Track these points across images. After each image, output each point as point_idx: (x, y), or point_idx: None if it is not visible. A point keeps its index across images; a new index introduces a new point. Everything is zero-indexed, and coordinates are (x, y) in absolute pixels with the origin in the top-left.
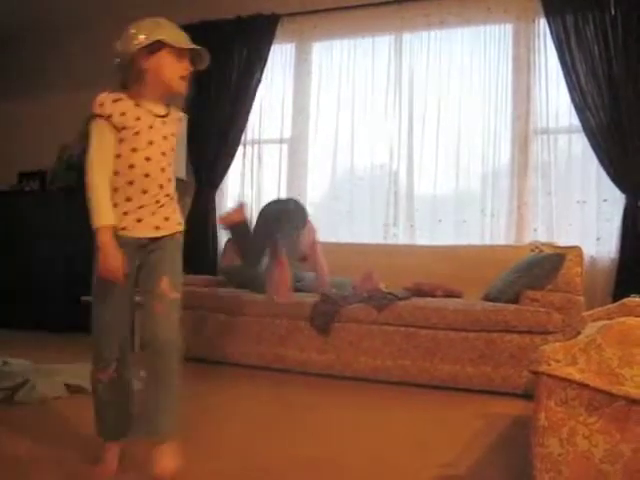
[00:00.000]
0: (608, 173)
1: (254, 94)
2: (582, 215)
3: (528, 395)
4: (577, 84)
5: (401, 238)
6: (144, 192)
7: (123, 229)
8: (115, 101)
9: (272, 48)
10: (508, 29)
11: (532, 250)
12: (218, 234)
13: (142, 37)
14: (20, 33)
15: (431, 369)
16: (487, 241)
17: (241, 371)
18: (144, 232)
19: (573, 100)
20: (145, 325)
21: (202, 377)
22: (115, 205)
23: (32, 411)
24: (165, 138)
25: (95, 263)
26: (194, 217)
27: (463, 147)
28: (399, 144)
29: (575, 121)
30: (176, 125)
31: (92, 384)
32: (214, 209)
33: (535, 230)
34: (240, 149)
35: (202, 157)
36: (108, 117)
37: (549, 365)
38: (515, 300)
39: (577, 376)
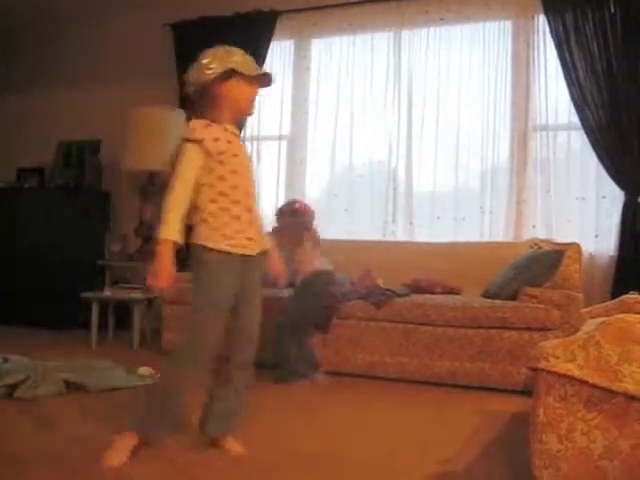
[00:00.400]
0: (607, 170)
1: None
2: (581, 212)
3: (527, 392)
4: (576, 81)
5: (400, 235)
6: (249, 210)
7: (234, 246)
8: (206, 127)
9: (271, 45)
10: (507, 26)
11: (531, 247)
12: None
13: (215, 66)
14: (19, 29)
15: (430, 366)
16: (486, 238)
17: None
18: (252, 249)
19: (572, 97)
20: (235, 338)
21: None
22: (226, 224)
23: (31, 408)
24: (249, 161)
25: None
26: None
27: (462, 144)
28: (398, 141)
29: (574, 118)
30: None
31: (174, 383)
32: None
33: (534, 227)
34: None
35: None
36: (200, 141)
37: (548, 362)
38: (514, 297)
39: (576, 372)
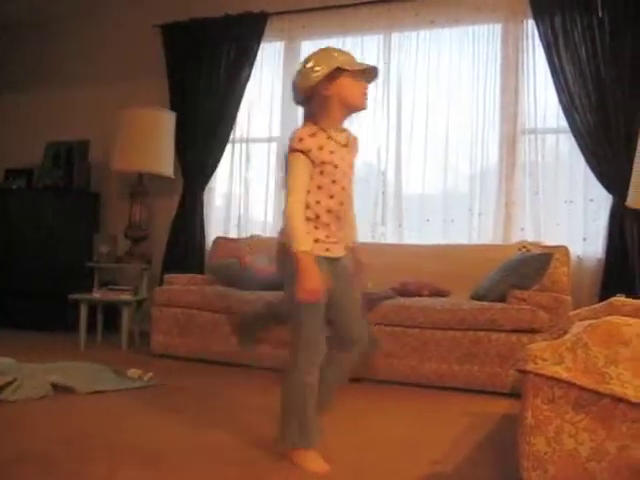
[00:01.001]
0: (595, 173)
1: (243, 92)
2: (569, 215)
3: (515, 394)
4: (565, 85)
5: (389, 237)
6: (338, 218)
7: (326, 250)
8: (312, 136)
9: (261, 46)
10: (497, 29)
11: (519, 249)
12: (206, 232)
13: (320, 68)
14: (7, 30)
15: (418, 368)
16: (475, 240)
17: (231, 370)
18: (339, 252)
19: (561, 101)
20: (346, 326)
21: (188, 376)
22: (316, 228)
23: (18, 410)
24: (350, 167)
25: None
26: (182, 215)
27: (451, 147)
28: (387, 143)
29: (562, 122)
30: (355, 150)
31: (296, 391)
32: (202, 207)
33: (522, 230)
34: (228, 148)
35: (190, 155)
36: (307, 152)
37: (536, 364)
38: (502, 299)
39: (564, 375)
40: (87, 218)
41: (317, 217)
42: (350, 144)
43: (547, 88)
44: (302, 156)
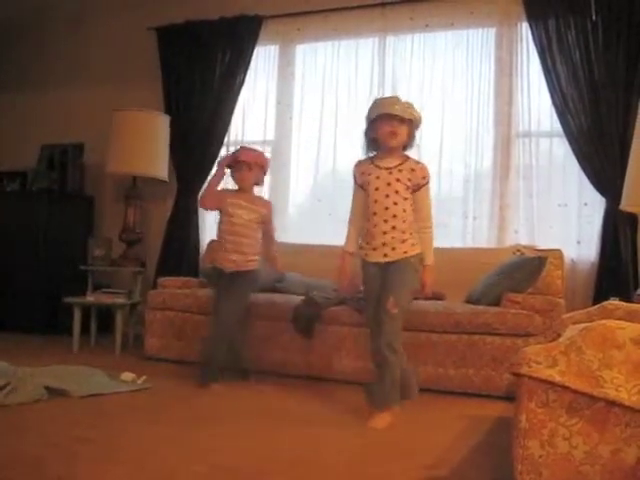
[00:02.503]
0: (589, 177)
1: (237, 95)
2: (563, 218)
3: (509, 397)
4: (558, 88)
5: None
6: (384, 233)
7: (366, 255)
8: (357, 165)
9: (255, 49)
10: (491, 33)
11: (513, 253)
12: (200, 236)
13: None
14: (1, 32)
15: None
16: (469, 243)
17: (225, 373)
18: (377, 258)
19: (554, 104)
20: (376, 330)
21: (182, 379)
22: (366, 241)
23: (11, 414)
24: (388, 185)
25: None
26: (176, 219)
27: (445, 150)
28: None
29: (556, 125)
30: (406, 173)
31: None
32: (196, 211)
33: (516, 233)
34: (223, 150)
35: (184, 158)
36: (355, 182)
37: (530, 367)
38: (496, 302)
39: (558, 378)
40: (81, 221)
41: (367, 230)
42: (403, 168)
43: (541, 91)
44: (356, 186)
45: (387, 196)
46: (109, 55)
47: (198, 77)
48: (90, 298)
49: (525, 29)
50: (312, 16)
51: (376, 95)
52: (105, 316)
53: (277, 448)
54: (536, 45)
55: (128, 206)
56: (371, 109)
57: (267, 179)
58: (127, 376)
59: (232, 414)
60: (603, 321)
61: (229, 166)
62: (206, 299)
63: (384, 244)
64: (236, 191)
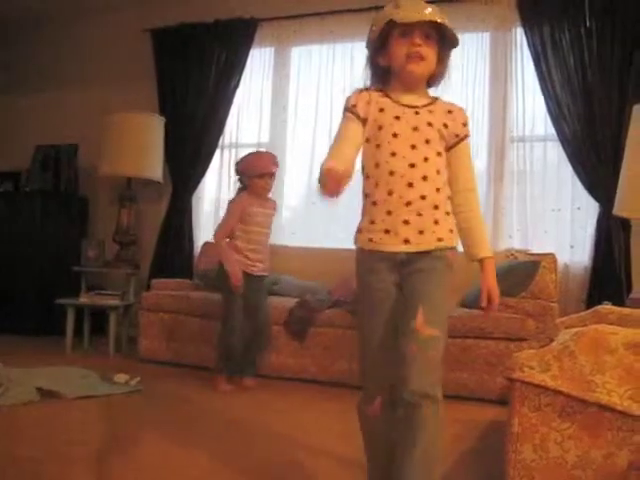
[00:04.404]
0: (582, 182)
1: (232, 98)
2: (556, 223)
3: (502, 401)
4: (553, 93)
5: None
6: (390, 193)
7: (371, 242)
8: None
9: (251, 52)
10: (486, 38)
11: (507, 257)
12: (194, 238)
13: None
14: None
15: None
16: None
17: None
18: (392, 245)
19: (548, 109)
20: (398, 365)
21: (176, 381)
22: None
23: (3, 415)
24: (415, 130)
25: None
26: (170, 220)
27: None
28: None
29: (550, 130)
30: (441, 117)
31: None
32: (190, 212)
33: (510, 237)
34: (217, 153)
35: (179, 160)
36: None
37: (523, 372)
38: None
39: (550, 383)
40: (75, 222)
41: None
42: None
43: (535, 96)
44: None
45: (413, 147)
46: (104, 56)
47: (193, 79)
48: (83, 299)
49: (520, 34)
50: (307, 19)
51: None
52: (98, 318)
53: (266, 449)
54: (531, 50)
55: (122, 207)
56: (379, 18)
57: None
58: (120, 378)
59: (227, 415)
60: (596, 326)
61: (242, 173)
62: (200, 301)
63: (406, 222)
64: (252, 196)
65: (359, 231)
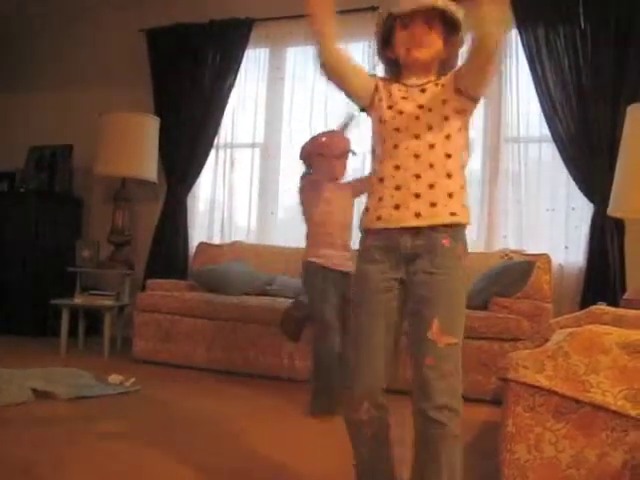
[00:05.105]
0: (577, 182)
1: (227, 98)
2: (551, 223)
3: (497, 401)
4: (547, 94)
5: None
6: (396, 167)
7: (377, 220)
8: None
9: (246, 52)
10: None
11: (502, 257)
12: (189, 238)
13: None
14: None
15: (400, 374)
16: None
17: (210, 376)
18: (402, 219)
19: (543, 110)
20: (413, 377)
21: (171, 382)
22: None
23: None
24: (420, 108)
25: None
26: (165, 221)
27: None
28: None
29: (545, 130)
30: (450, 83)
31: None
32: (186, 213)
33: (505, 237)
34: (212, 153)
35: (174, 160)
36: None
37: (517, 372)
38: (484, 307)
39: (545, 383)
40: (69, 223)
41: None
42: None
43: (530, 97)
44: None
45: (417, 118)
46: (99, 57)
47: (188, 79)
48: (78, 300)
49: (514, 36)
50: (303, 19)
51: None
52: (93, 318)
53: (262, 450)
54: (525, 51)
55: (117, 208)
56: (381, 14)
57: (256, 181)
58: (115, 379)
59: (221, 416)
60: (590, 326)
61: (317, 154)
62: (195, 302)
63: (417, 196)
64: (326, 179)
65: (366, 210)
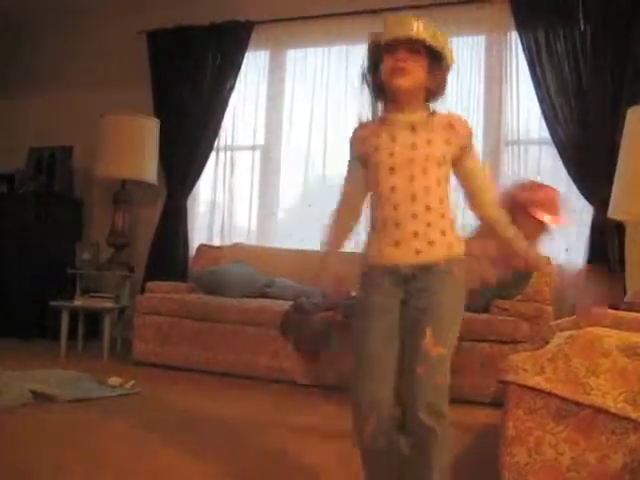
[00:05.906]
0: (576, 185)
1: (227, 100)
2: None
3: (497, 404)
4: (547, 97)
5: None
6: (395, 207)
7: (379, 256)
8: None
9: (246, 55)
10: (480, 41)
11: None
12: (189, 240)
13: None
14: None
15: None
16: None
17: (210, 378)
18: (402, 257)
19: (543, 112)
20: (404, 383)
21: (170, 384)
22: None
23: None
24: (413, 146)
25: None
26: (165, 223)
27: None
28: None
29: (545, 133)
30: (441, 133)
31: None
32: (185, 215)
33: None
34: (213, 155)
35: (174, 162)
36: None
37: (517, 375)
38: (485, 309)
39: (545, 385)
40: (69, 224)
41: None
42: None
43: (530, 100)
44: None
45: (411, 161)
46: (99, 58)
47: (188, 81)
48: (78, 302)
49: (514, 38)
50: (303, 22)
51: (367, 101)
52: (93, 320)
53: (264, 452)
54: (525, 54)
55: (116, 210)
56: (370, 44)
57: (257, 184)
58: (115, 381)
59: (220, 418)
60: (590, 329)
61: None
62: (195, 304)
63: (416, 234)
64: None
65: (369, 243)
